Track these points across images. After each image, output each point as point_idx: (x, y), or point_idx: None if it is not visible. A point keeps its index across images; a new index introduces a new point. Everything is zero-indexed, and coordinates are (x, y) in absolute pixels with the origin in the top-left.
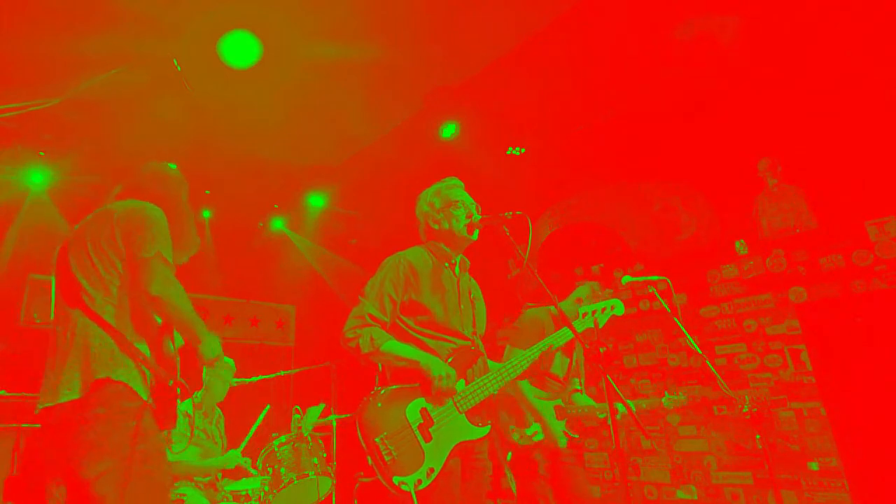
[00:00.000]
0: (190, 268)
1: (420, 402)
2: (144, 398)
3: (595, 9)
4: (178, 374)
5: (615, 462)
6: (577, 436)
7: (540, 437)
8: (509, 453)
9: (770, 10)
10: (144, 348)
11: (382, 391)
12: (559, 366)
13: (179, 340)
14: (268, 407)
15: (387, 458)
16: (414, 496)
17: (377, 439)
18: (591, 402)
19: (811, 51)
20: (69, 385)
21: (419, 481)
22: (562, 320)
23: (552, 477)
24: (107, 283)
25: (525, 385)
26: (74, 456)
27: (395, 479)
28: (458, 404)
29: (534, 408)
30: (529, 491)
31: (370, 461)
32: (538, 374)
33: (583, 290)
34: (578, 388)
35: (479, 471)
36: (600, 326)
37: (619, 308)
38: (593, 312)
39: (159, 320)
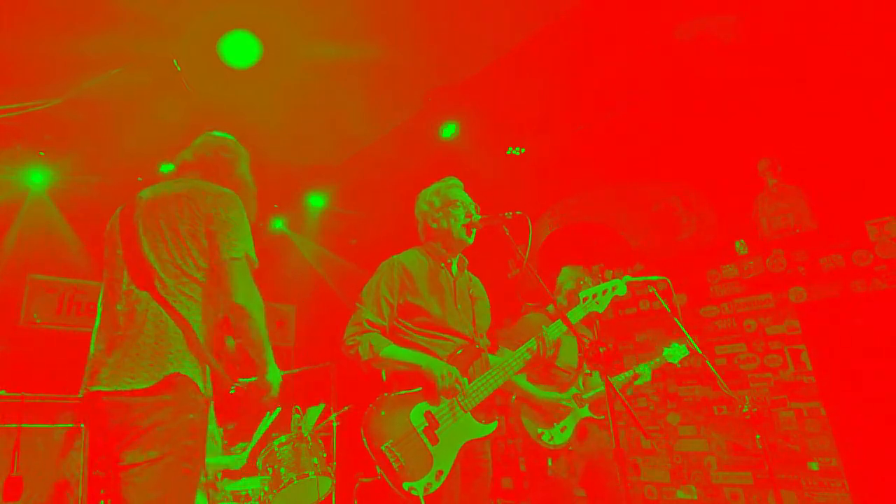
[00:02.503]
0: None
1: (424, 405)
2: (207, 394)
3: (595, 9)
4: (236, 371)
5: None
6: (602, 416)
7: (570, 432)
8: (521, 459)
9: (770, 10)
10: (209, 344)
11: (385, 398)
12: (568, 356)
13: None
14: (278, 409)
15: (395, 466)
16: (423, 500)
17: (383, 447)
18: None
19: (811, 51)
20: (135, 373)
21: (429, 485)
22: (561, 318)
23: (582, 481)
24: (183, 275)
25: (530, 386)
26: (123, 440)
27: (405, 486)
28: (462, 403)
29: (550, 401)
30: (541, 491)
31: (379, 470)
32: (543, 368)
33: (563, 277)
34: (588, 371)
35: (481, 471)
36: (602, 310)
37: (621, 288)
38: (594, 296)
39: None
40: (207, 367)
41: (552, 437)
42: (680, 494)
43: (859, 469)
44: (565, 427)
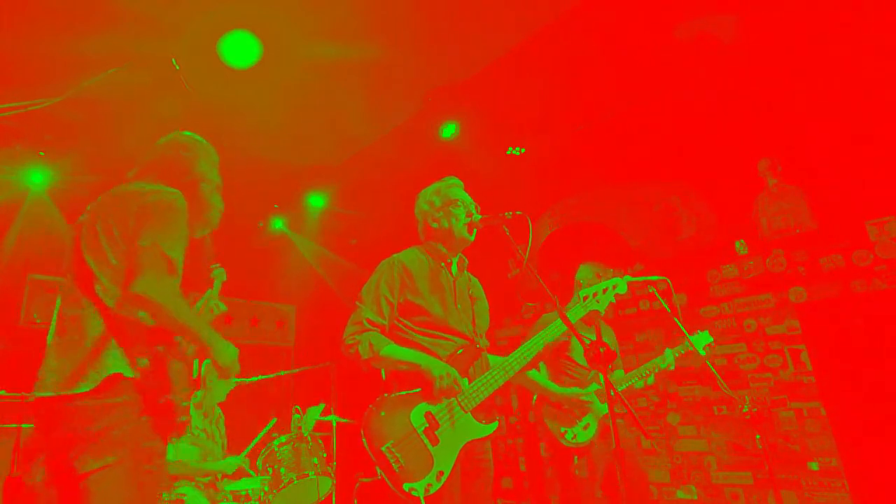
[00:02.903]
0: (190, 268)
1: (424, 406)
2: (157, 397)
3: (595, 9)
4: (183, 379)
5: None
6: (624, 411)
7: (593, 430)
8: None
9: (770, 10)
10: (144, 350)
11: (385, 399)
12: (582, 352)
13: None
14: (274, 420)
15: (395, 467)
16: (423, 501)
17: (384, 448)
18: (623, 374)
19: (811, 51)
20: (78, 377)
21: (429, 486)
22: (560, 316)
23: (606, 477)
24: (119, 275)
25: (550, 383)
26: (75, 448)
27: (406, 486)
28: (462, 403)
29: (571, 397)
30: (568, 491)
31: (379, 471)
32: (557, 365)
33: (582, 271)
34: (610, 367)
35: (483, 471)
36: (603, 308)
37: (622, 286)
38: (594, 295)
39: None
40: (156, 371)
41: (575, 436)
42: (680, 494)
43: (859, 469)
44: (588, 425)
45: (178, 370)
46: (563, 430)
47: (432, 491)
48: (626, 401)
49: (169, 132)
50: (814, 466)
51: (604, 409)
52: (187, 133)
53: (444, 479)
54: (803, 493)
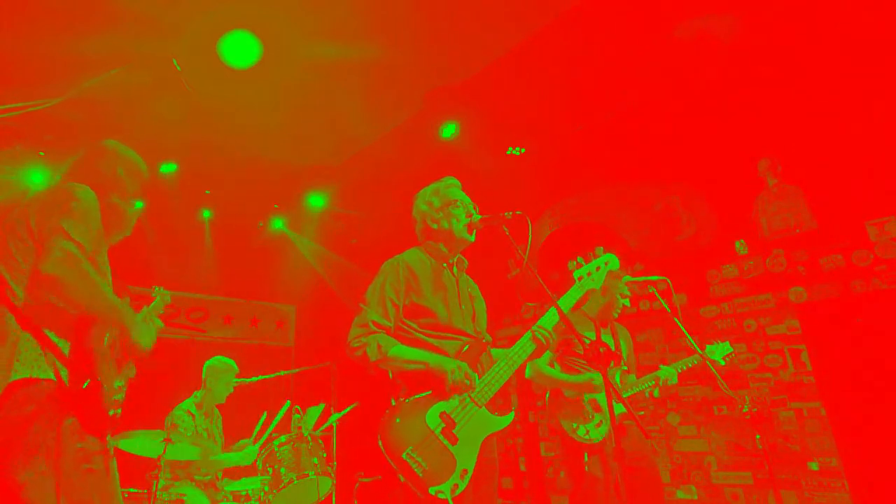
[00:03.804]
0: (190, 268)
1: (438, 406)
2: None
3: (595, 9)
4: (110, 373)
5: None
6: (642, 412)
7: (606, 427)
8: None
9: (770, 10)
10: (65, 345)
11: (399, 405)
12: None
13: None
14: (288, 403)
15: (418, 472)
16: (451, 502)
17: (404, 455)
18: (636, 380)
19: (811, 50)
20: None
21: (455, 486)
22: (559, 315)
23: (615, 473)
24: (26, 275)
25: (563, 374)
26: (4, 459)
27: (432, 490)
28: (475, 399)
29: (583, 383)
30: (579, 489)
31: (402, 479)
32: (567, 362)
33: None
34: (625, 368)
35: (489, 469)
36: (599, 286)
37: (614, 262)
38: (588, 274)
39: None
40: (66, 370)
41: (588, 432)
42: (680, 494)
43: (859, 469)
44: (601, 422)
45: (102, 359)
46: (574, 426)
47: (459, 491)
48: (625, 401)
49: (169, 132)
50: (814, 466)
51: (618, 409)
52: (107, 141)
53: (468, 477)
54: (803, 493)
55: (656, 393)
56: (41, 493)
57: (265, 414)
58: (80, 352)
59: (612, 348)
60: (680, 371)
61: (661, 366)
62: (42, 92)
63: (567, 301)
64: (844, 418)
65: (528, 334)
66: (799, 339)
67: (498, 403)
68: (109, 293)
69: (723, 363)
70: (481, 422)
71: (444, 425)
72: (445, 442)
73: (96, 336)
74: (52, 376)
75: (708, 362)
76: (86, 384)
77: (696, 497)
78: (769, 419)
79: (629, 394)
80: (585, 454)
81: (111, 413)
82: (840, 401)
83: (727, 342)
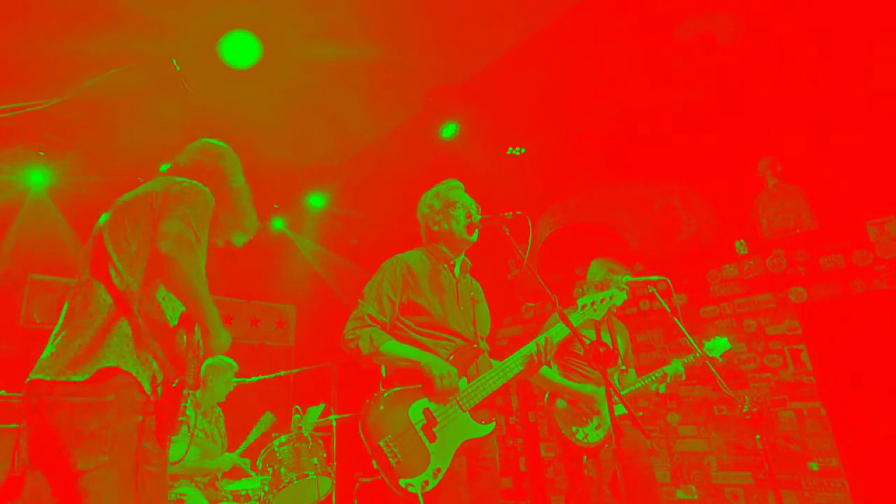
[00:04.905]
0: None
1: (423, 402)
2: (151, 395)
3: (595, 9)
4: (191, 373)
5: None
6: (640, 413)
7: (605, 430)
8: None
9: (770, 10)
10: (156, 344)
11: (384, 394)
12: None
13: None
14: (265, 415)
15: (392, 461)
16: (420, 498)
17: (381, 442)
18: (636, 378)
19: (811, 51)
20: (73, 364)
21: (426, 482)
22: (560, 317)
23: (614, 476)
24: (136, 262)
25: (565, 380)
26: (67, 444)
27: (402, 482)
28: (460, 402)
29: (585, 394)
30: (576, 491)
31: (375, 465)
32: (566, 363)
33: (593, 269)
34: (623, 367)
35: (486, 470)
36: (599, 317)
37: (619, 298)
38: (592, 304)
39: (175, 314)
40: (158, 370)
41: (587, 436)
42: (680, 494)
43: (859, 469)
44: (600, 425)
45: (188, 362)
46: (574, 429)
47: (429, 488)
48: (625, 401)
49: (169, 132)
50: (814, 466)
51: (617, 409)
52: (218, 142)
53: (440, 476)
54: (803, 493)
55: (662, 388)
56: (101, 485)
57: (266, 414)
58: (171, 352)
59: (611, 346)
60: (686, 364)
61: (673, 360)
62: (42, 92)
63: (562, 331)
64: (844, 418)
65: (524, 348)
66: (799, 339)
67: (482, 411)
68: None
69: (721, 360)
70: (462, 426)
71: (425, 421)
72: (424, 438)
73: (179, 338)
74: (133, 371)
75: (708, 362)
76: (174, 384)
77: (696, 497)
78: (769, 419)
79: (628, 390)
80: (584, 457)
81: (179, 418)
82: (840, 401)
83: (725, 338)
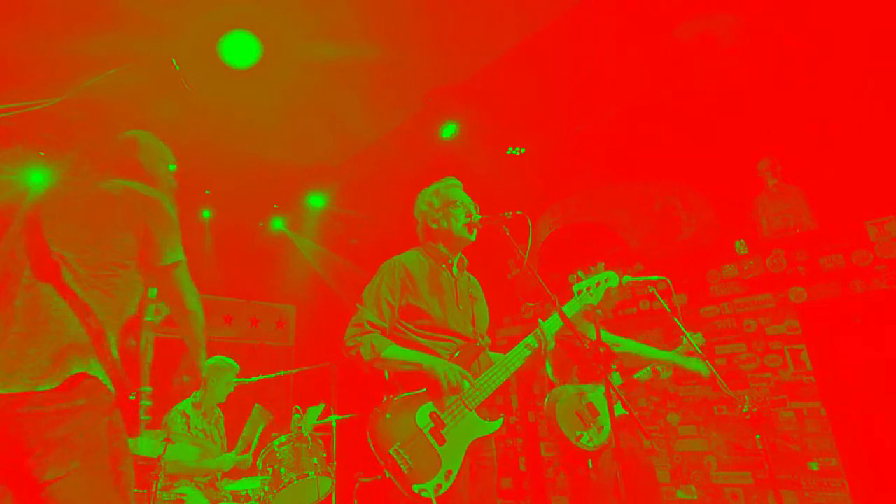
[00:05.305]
0: (190, 268)
1: (429, 406)
2: (114, 395)
3: (595, 8)
4: (143, 376)
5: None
6: (636, 412)
7: (608, 431)
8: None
9: (770, 10)
10: (114, 345)
11: (390, 401)
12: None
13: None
14: (256, 412)
15: (404, 468)
16: (434, 502)
17: (391, 450)
18: (619, 378)
19: (811, 51)
20: (37, 372)
21: (439, 486)
22: (560, 317)
23: (616, 478)
24: (104, 271)
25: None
26: (36, 454)
27: (415, 488)
28: (466, 402)
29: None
30: (582, 495)
31: (388, 474)
32: (563, 362)
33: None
34: (613, 367)
35: (487, 470)
36: (596, 302)
37: (614, 279)
38: (588, 288)
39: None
40: (118, 369)
41: (591, 439)
42: (680, 494)
43: (859, 469)
44: (602, 427)
45: (145, 362)
46: (578, 433)
47: (442, 491)
48: (625, 401)
49: (169, 132)
50: (814, 466)
51: (616, 409)
52: (146, 133)
53: (452, 478)
54: (803, 493)
55: (665, 374)
56: (74, 491)
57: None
58: (129, 353)
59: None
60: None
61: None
62: (42, 92)
63: (556, 322)
64: (844, 418)
65: (523, 341)
66: (799, 339)
67: (488, 408)
68: None
69: (700, 353)
70: (470, 425)
71: (433, 425)
72: (433, 442)
73: (129, 342)
74: (101, 375)
75: (707, 362)
76: (133, 394)
77: (696, 497)
78: (769, 419)
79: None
80: (589, 461)
81: (144, 418)
82: (840, 401)
83: (699, 333)
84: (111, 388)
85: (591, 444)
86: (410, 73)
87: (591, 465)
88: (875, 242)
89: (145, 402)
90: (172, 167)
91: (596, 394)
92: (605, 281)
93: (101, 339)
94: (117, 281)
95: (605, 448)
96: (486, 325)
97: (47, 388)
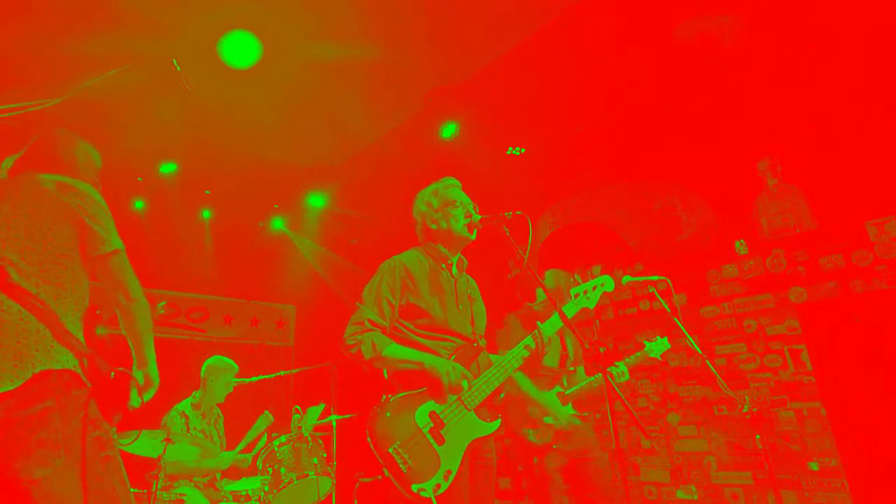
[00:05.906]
0: (190, 268)
1: (429, 405)
2: (88, 384)
3: (595, 8)
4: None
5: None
6: (586, 413)
7: (551, 420)
8: (519, 466)
9: (770, 10)
10: (80, 334)
11: (390, 400)
12: (551, 356)
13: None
14: (263, 415)
15: (403, 468)
16: (434, 501)
17: (391, 449)
18: (585, 376)
19: (811, 51)
20: (1, 375)
21: (438, 486)
22: (560, 317)
23: (567, 476)
24: (50, 264)
25: (525, 381)
26: (12, 458)
27: (414, 487)
28: (465, 402)
29: (538, 401)
30: (543, 494)
31: (386, 473)
32: (532, 367)
33: (548, 280)
34: (572, 369)
35: (486, 470)
36: (592, 305)
37: (609, 284)
38: (584, 292)
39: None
40: (85, 359)
41: (538, 434)
42: (680, 494)
43: (859, 469)
44: (550, 425)
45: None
46: (525, 430)
47: (441, 491)
48: (625, 400)
49: (169, 132)
50: (814, 466)
51: (567, 410)
52: (70, 132)
53: (451, 478)
54: (803, 493)
55: (625, 370)
56: (61, 487)
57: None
58: (96, 341)
59: (561, 348)
60: (630, 364)
61: (646, 342)
62: (42, 92)
63: (555, 324)
64: (844, 418)
65: (521, 342)
66: (799, 339)
67: (487, 408)
68: None
69: (659, 359)
70: (468, 425)
71: (432, 425)
72: (432, 441)
73: (97, 330)
74: (69, 366)
75: (707, 362)
76: (112, 374)
77: (696, 497)
78: (769, 419)
79: (575, 389)
80: (535, 458)
81: (130, 406)
82: (840, 401)
83: (665, 338)
84: (83, 377)
85: (532, 438)
86: (410, 73)
87: (535, 462)
88: (875, 242)
89: (136, 375)
90: (98, 164)
91: (550, 394)
92: (602, 285)
93: (64, 332)
94: (65, 273)
95: (550, 446)
96: (483, 325)
97: (10, 387)
